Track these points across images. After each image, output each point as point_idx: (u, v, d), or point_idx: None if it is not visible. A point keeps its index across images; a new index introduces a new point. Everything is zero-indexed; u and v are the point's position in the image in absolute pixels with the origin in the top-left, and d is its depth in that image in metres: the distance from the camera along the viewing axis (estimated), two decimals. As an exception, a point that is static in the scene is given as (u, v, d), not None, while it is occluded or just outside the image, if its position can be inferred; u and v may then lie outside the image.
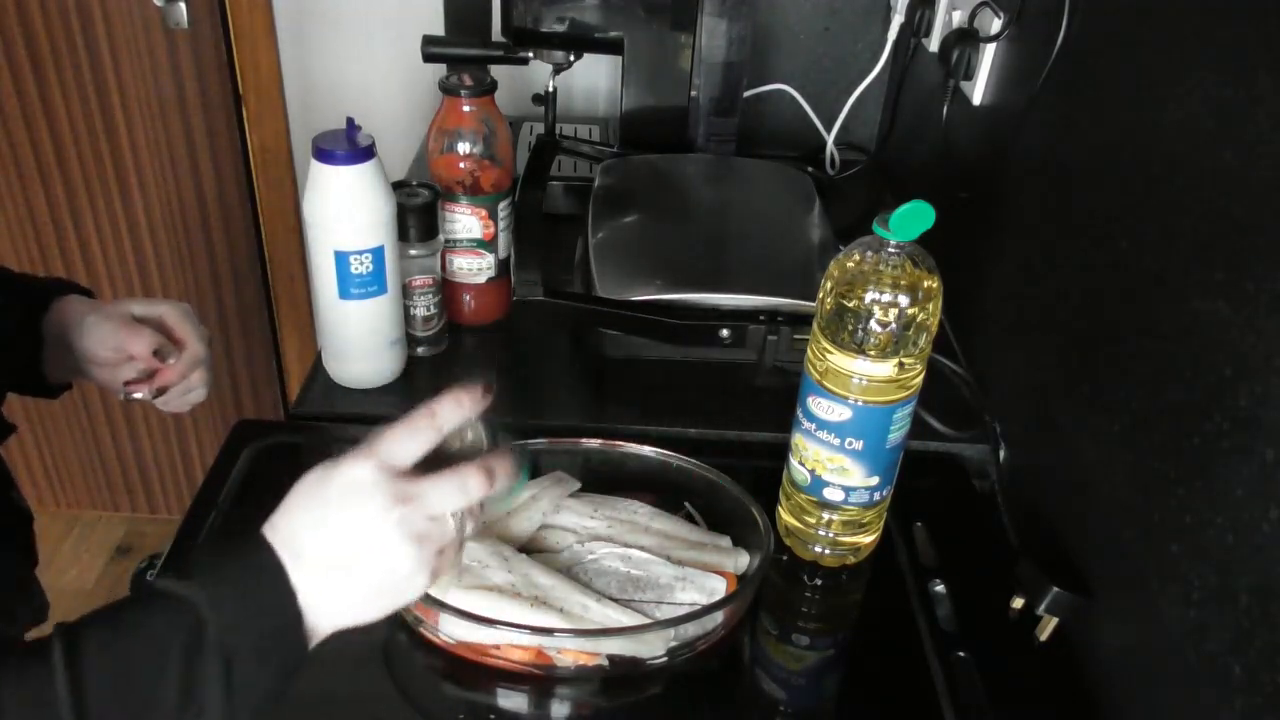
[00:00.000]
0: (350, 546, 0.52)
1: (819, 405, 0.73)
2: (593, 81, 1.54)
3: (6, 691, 0.46)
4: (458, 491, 0.53)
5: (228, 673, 0.48)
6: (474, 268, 1.01)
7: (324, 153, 0.82)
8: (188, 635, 0.48)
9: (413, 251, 0.93)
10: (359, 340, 0.91)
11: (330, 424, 0.91)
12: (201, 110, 1.72)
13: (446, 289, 0.99)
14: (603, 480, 0.81)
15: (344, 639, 0.73)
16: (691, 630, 0.69)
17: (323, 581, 0.52)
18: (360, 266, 0.86)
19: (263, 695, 0.50)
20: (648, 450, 0.82)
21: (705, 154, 1.27)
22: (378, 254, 0.86)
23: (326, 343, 0.94)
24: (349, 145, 0.82)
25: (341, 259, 0.85)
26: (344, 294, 0.87)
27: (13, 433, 0.76)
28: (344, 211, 0.84)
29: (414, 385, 0.96)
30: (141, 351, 0.75)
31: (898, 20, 1.31)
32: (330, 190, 0.83)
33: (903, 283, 0.68)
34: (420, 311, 0.96)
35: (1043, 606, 0.72)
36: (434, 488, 0.53)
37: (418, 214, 0.92)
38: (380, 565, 0.52)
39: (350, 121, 0.83)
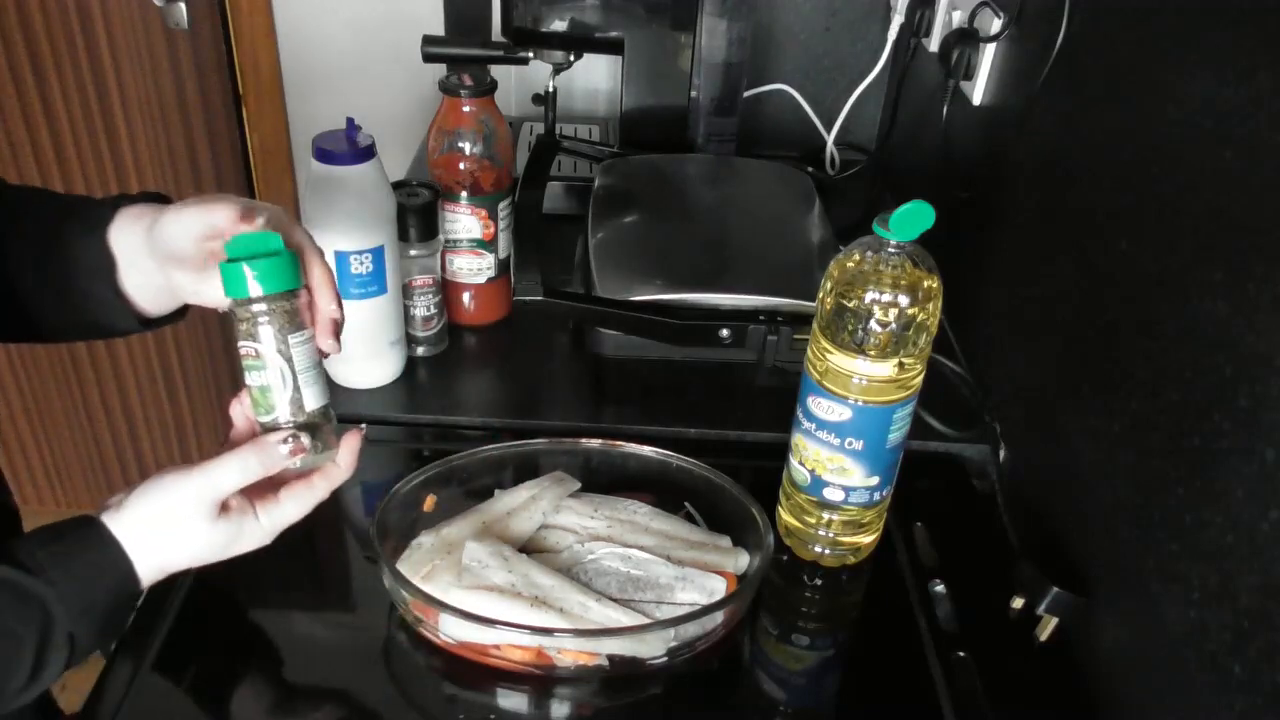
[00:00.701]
0: (182, 548, 0.59)
1: (819, 405, 0.73)
2: (593, 81, 1.54)
3: None
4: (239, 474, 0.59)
5: (71, 648, 0.55)
6: (474, 268, 1.01)
7: (324, 153, 0.82)
8: (39, 631, 0.54)
9: (413, 251, 0.93)
10: (359, 340, 0.91)
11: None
12: (201, 110, 1.72)
13: (446, 289, 0.99)
14: (603, 480, 0.81)
15: (344, 639, 0.73)
16: (691, 630, 0.69)
17: (161, 567, 0.59)
18: (360, 266, 0.86)
19: (97, 648, 0.58)
20: (648, 450, 0.82)
21: (705, 154, 1.27)
22: (377, 254, 0.87)
23: (326, 343, 0.94)
24: (349, 145, 0.82)
25: (341, 259, 0.85)
26: (344, 294, 0.87)
27: None
28: (344, 211, 0.84)
29: (414, 385, 0.96)
30: (229, 214, 0.60)
31: (898, 20, 1.31)
32: (330, 190, 0.83)
33: (903, 283, 0.68)
34: (420, 311, 0.96)
35: (1043, 606, 0.72)
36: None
37: (418, 214, 0.92)
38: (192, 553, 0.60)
39: (350, 121, 0.83)
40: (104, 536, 0.56)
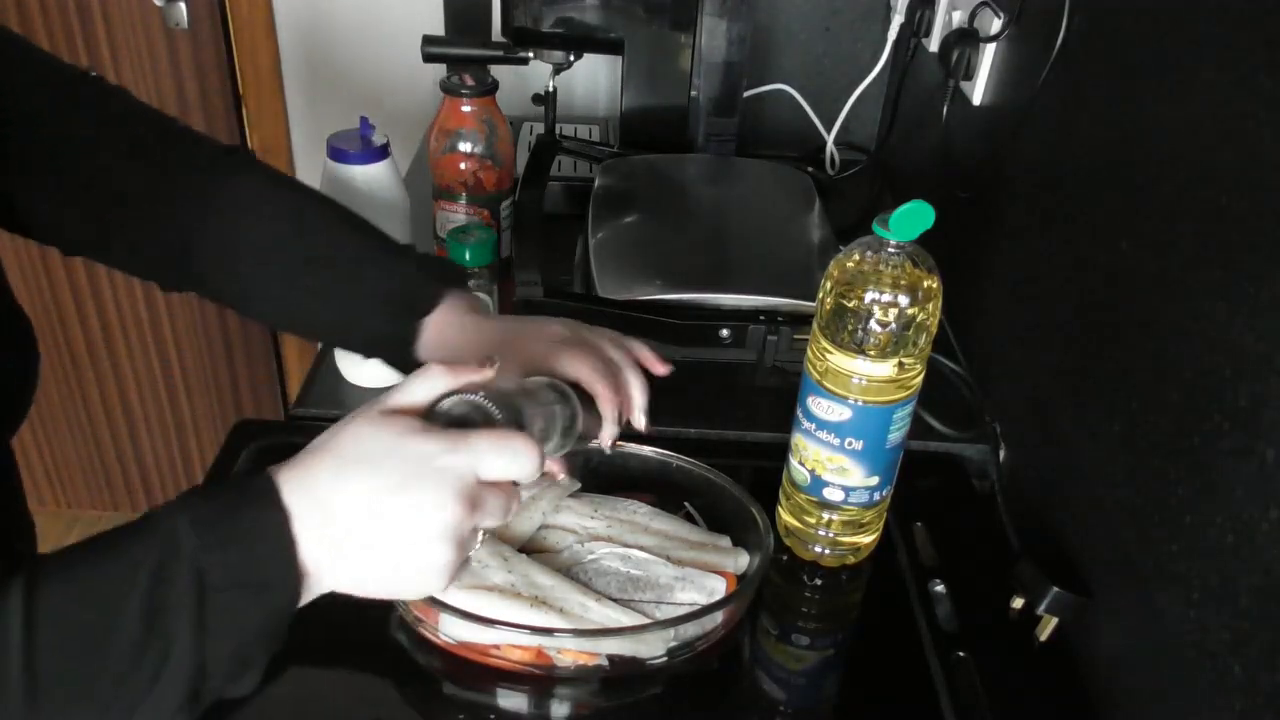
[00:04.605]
0: (386, 529, 0.47)
1: (819, 405, 0.73)
2: (593, 81, 1.54)
3: None
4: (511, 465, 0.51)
5: (200, 601, 0.41)
6: (474, 268, 1.00)
7: (338, 152, 0.81)
8: (159, 555, 0.41)
9: None
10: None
11: (331, 424, 0.91)
12: (201, 110, 1.72)
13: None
14: (603, 480, 0.81)
15: (344, 639, 0.73)
16: (691, 630, 0.69)
17: (337, 544, 0.46)
18: None
19: (242, 635, 0.43)
20: (648, 450, 0.82)
21: (705, 154, 1.27)
22: None
23: (339, 342, 0.93)
24: (363, 144, 0.82)
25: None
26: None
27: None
28: (360, 210, 0.83)
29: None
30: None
31: (898, 20, 1.31)
32: (346, 189, 0.83)
33: (903, 283, 0.68)
34: None
35: (1043, 606, 0.72)
36: (494, 494, 0.51)
37: None
38: (409, 558, 0.48)
39: (364, 120, 0.82)
40: (269, 494, 0.44)
